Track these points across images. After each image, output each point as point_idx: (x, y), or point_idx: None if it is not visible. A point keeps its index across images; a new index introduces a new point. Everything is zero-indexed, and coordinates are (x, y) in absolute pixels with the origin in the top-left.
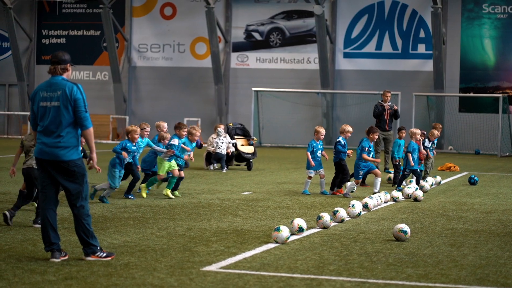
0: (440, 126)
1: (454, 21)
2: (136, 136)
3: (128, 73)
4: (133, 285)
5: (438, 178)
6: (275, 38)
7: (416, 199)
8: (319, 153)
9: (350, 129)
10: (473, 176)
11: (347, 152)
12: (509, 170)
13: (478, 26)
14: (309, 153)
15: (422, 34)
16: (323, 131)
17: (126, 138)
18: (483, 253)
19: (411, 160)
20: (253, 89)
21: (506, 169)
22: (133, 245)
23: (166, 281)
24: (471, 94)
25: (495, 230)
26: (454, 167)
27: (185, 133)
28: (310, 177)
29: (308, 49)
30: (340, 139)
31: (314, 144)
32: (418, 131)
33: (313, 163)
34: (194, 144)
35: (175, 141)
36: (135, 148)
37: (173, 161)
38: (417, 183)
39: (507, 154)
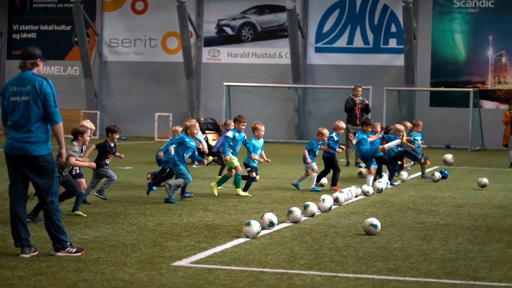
0: (421, 123)
1: (425, 16)
2: (196, 131)
3: (99, 68)
4: (103, 280)
5: (404, 175)
6: (246, 32)
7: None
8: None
9: (343, 125)
10: (443, 170)
11: (337, 149)
12: (480, 164)
13: (449, 21)
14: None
15: (393, 28)
16: (327, 133)
17: (184, 133)
18: (453, 246)
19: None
20: (225, 83)
21: (476, 163)
22: (103, 240)
23: (136, 276)
24: (442, 89)
25: (465, 223)
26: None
27: (244, 127)
28: (314, 171)
29: (279, 43)
30: (333, 134)
31: (315, 144)
32: (403, 128)
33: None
34: (262, 141)
35: (230, 133)
36: (194, 144)
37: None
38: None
39: (478, 148)
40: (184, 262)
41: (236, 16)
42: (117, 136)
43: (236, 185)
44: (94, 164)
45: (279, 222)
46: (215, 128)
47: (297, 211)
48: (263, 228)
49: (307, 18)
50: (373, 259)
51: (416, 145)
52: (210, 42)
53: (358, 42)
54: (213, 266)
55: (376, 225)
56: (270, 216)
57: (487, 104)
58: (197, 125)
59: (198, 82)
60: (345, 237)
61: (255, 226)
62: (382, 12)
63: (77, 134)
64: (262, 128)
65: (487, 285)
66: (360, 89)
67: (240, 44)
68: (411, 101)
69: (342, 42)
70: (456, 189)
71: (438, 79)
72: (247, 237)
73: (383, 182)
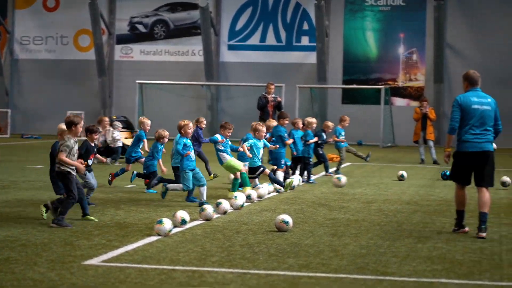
0: (348, 118)
1: (337, 14)
2: (190, 131)
3: (10, 66)
4: (13, 280)
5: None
6: (159, 30)
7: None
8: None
9: (275, 123)
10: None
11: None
12: (391, 161)
13: (360, 19)
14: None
15: (305, 26)
16: (265, 129)
17: (179, 134)
18: (363, 242)
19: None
20: (137, 81)
21: (387, 159)
22: (13, 239)
23: (46, 275)
24: (354, 86)
25: (375, 219)
26: (337, 157)
27: (229, 134)
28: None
29: (192, 41)
30: (268, 135)
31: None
32: (314, 120)
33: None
34: (263, 141)
35: (218, 137)
36: (190, 142)
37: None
38: (305, 170)
39: (389, 144)
40: (95, 261)
41: (149, 13)
42: (96, 136)
43: (244, 184)
44: (82, 168)
45: (191, 220)
46: (128, 126)
47: (209, 209)
48: (175, 226)
49: (220, 16)
50: (284, 256)
51: (343, 141)
52: (122, 39)
53: (270, 39)
54: (124, 265)
55: (287, 221)
56: (182, 214)
57: (398, 101)
58: (191, 124)
59: (111, 80)
60: (257, 234)
61: (167, 224)
62: (295, 10)
63: (71, 124)
64: (264, 129)
65: (396, 280)
66: (272, 86)
67: (153, 42)
68: (324, 99)
69: (255, 39)
70: (367, 185)
71: (350, 76)
72: (159, 235)
73: (295, 179)
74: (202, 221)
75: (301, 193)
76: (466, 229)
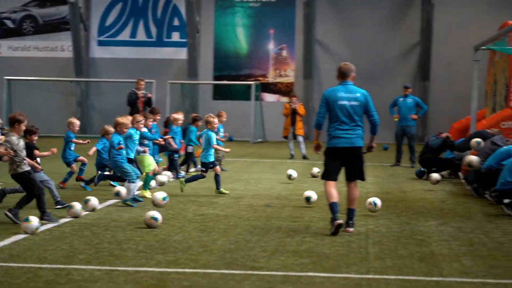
0: (225, 113)
1: (208, 10)
2: (125, 130)
3: None
4: None
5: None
6: (28, 25)
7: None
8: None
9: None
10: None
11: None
12: (261, 156)
13: (231, 15)
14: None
15: (176, 22)
16: (216, 120)
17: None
18: (232, 237)
19: (173, 143)
20: (5, 77)
21: (257, 155)
22: None
23: None
24: (225, 82)
25: (244, 215)
26: None
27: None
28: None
29: (61, 37)
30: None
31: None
32: (181, 117)
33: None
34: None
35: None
36: (123, 141)
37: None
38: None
39: (260, 140)
40: None
41: (17, 9)
42: (35, 137)
43: (145, 187)
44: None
45: (59, 217)
46: None
47: (77, 206)
48: (42, 224)
49: (89, 11)
50: (153, 252)
51: (223, 137)
52: None
53: (141, 35)
54: None
55: (157, 218)
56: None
57: (268, 97)
58: (129, 124)
59: None
60: (126, 231)
61: (34, 221)
62: (165, 6)
63: (14, 121)
64: (215, 121)
65: (265, 274)
66: (143, 82)
67: (21, 37)
68: (194, 95)
69: (125, 35)
70: (238, 180)
71: (221, 72)
72: (26, 233)
73: (164, 175)
74: (70, 219)
75: (171, 189)
76: (340, 221)
